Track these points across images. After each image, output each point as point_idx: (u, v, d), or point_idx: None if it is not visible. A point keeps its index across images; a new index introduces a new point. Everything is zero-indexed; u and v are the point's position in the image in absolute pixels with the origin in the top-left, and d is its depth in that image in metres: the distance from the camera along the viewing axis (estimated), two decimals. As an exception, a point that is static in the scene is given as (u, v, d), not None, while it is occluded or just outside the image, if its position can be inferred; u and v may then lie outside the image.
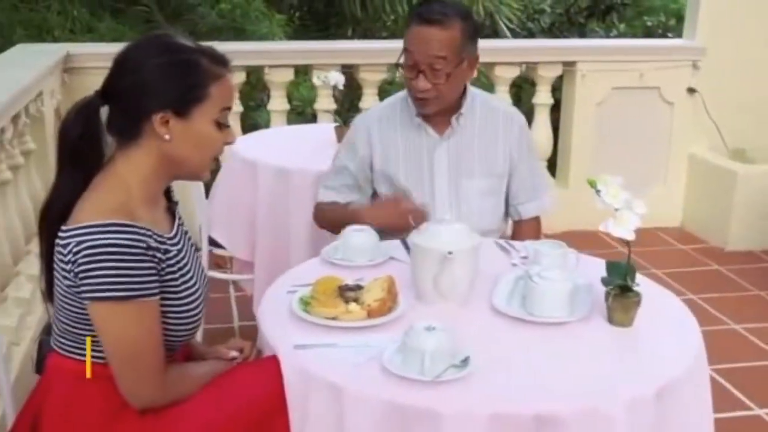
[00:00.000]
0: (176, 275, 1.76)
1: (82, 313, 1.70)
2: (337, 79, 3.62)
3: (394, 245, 2.32)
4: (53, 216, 1.74)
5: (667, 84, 5.11)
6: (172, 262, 1.75)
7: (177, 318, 1.77)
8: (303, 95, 6.12)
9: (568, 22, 10.67)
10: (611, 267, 1.92)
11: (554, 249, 2.08)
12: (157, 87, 1.71)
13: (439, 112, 2.53)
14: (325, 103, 4.81)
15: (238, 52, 4.81)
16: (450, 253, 1.89)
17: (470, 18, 2.48)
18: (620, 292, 1.86)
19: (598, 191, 1.82)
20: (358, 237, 2.23)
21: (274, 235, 3.27)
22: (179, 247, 1.81)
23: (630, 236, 1.80)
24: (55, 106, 4.17)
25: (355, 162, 2.65)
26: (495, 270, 2.13)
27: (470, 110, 2.58)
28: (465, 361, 1.62)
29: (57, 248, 1.69)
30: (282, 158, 3.32)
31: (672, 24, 11.38)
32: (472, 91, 2.61)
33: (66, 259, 1.65)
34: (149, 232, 1.69)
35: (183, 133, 1.73)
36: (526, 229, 2.71)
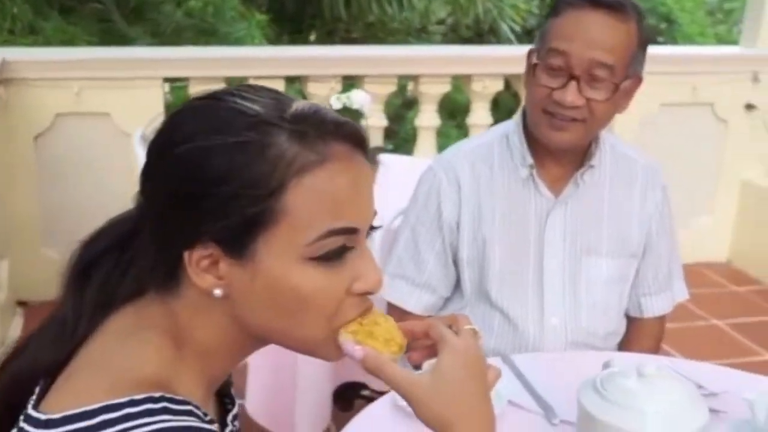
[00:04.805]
0: None
1: None
2: (362, 100, 2.67)
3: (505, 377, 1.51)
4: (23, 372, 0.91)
5: (722, 99, 4.36)
6: None
7: None
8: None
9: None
10: None
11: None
12: (188, 199, 0.84)
13: (567, 153, 1.72)
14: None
15: (216, 59, 4.04)
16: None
17: (644, 18, 1.67)
18: None
19: None
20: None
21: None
22: None
23: None
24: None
25: (440, 238, 1.79)
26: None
27: (599, 162, 1.77)
28: None
29: None
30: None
31: (663, 28, 10.98)
32: (603, 134, 1.78)
33: None
34: (207, 418, 0.85)
35: (247, 284, 0.86)
36: (646, 331, 1.90)
